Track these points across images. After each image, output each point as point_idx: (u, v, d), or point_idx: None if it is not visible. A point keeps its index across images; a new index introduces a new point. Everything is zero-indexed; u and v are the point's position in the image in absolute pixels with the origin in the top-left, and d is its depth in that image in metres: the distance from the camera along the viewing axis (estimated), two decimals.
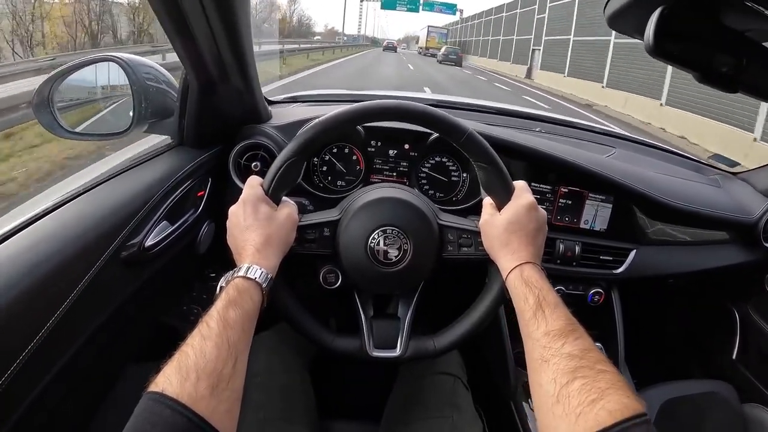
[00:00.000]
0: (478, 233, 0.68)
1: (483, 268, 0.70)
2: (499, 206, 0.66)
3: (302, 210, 0.74)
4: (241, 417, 0.78)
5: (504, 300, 0.65)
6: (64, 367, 0.57)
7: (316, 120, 0.68)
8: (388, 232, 0.68)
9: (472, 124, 0.93)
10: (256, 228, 0.61)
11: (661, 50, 0.70)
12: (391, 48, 47.07)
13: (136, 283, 0.70)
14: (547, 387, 0.46)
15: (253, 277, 0.56)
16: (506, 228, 0.63)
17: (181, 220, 0.79)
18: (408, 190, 0.76)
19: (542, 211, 0.66)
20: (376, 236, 0.68)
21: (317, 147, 0.69)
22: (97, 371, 0.69)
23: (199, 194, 0.85)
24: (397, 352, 0.70)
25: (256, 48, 0.84)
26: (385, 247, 0.68)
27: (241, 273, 0.56)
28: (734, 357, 1.15)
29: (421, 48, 47.62)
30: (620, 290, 1.01)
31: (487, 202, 0.68)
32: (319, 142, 0.68)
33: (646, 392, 1.02)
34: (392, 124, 0.84)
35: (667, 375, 1.09)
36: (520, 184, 0.67)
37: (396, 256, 0.68)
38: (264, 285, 0.56)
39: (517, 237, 0.62)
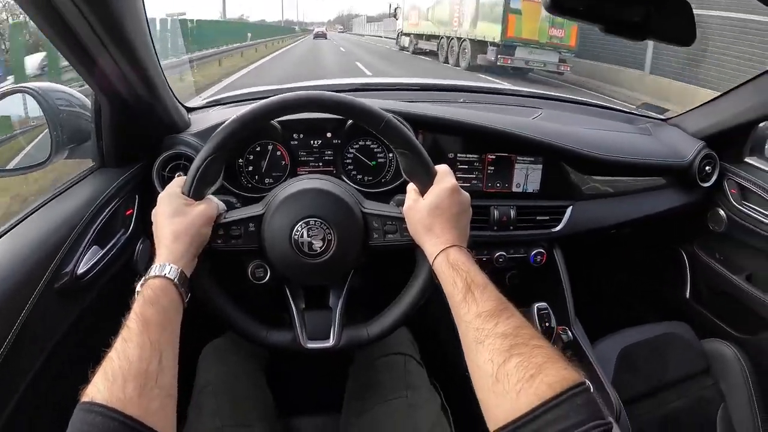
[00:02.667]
0: (402, 219, 0.65)
1: (413, 253, 0.67)
2: (422, 191, 0.63)
3: (231, 207, 0.71)
4: (198, 427, 0.72)
5: (433, 284, 0.62)
6: (13, 410, 0.54)
7: (231, 118, 0.65)
8: (311, 223, 0.65)
9: (392, 104, 0.89)
10: (167, 225, 0.59)
11: (559, 5, 0.68)
12: (321, 35, 35.74)
13: (74, 312, 0.67)
14: (485, 367, 0.45)
15: (164, 274, 0.54)
16: (429, 213, 0.60)
17: (112, 242, 0.75)
18: (330, 179, 0.73)
19: (465, 193, 0.63)
20: (299, 228, 0.65)
21: (235, 144, 0.67)
22: (49, 408, 0.65)
23: (128, 213, 0.81)
24: (331, 342, 0.69)
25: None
26: (309, 239, 0.65)
27: (153, 272, 0.55)
28: (687, 296, 1.15)
29: (413, 38, 14.80)
30: (563, 248, 0.97)
31: (411, 187, 0.65)
32: (236, 138, 0.65)
33: (602, 343, 0.98)
34: (309, 114, 0.83)
35: (623, 323, 1.05)
36: (442, 168, 0.64)
37: (320, 247, 0.65)
38: (175, 280, 0.55)
39: (441, 221, 0.60)
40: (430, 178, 0.63)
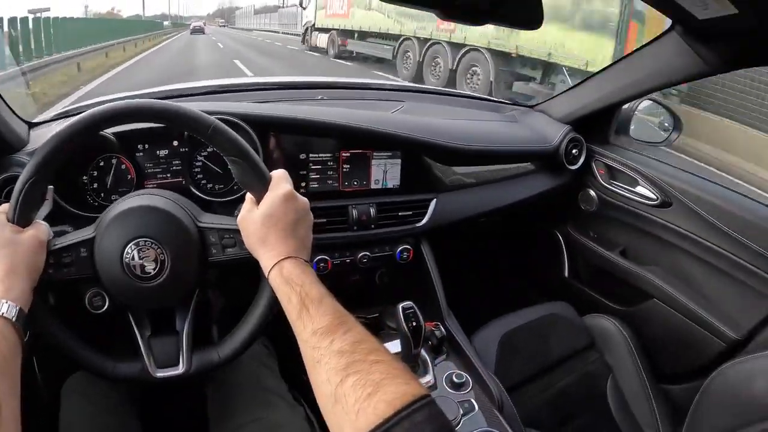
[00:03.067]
0: (239, 231, 0.61)
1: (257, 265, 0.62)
2: (258, 199, 0.59)
3: (61, 236, 0.66)
4: None
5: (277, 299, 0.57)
6: None
7: (51, 134, 0.59)
8: (141, 244, 0.61)
9: (241, 106, 0.83)
10: None
11: None
12: (198, 30, 32.30)
13: None
14: (324, 388, 0.43)
15: (2, 314, 0.49)
16: (263, 223, 0.56)
17: None
18: (161, 194, 0.68)
19: (302, 199, 0.59)
20: (129, 250, 0.60)
21: (59, 162, 0.62)
22: None
23: None
24: (181, 368, 0.65)
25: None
26: (141, 261, 0.60)
27: None
28: (566, 275, 1.18)
29: (337, 36, 10.55)
30: (431, 241, 0.96)
31: (248, 197, 0.61)
32: (59, 156, 0.59)
33: (482, 332, 0.98)
34: (146, 124, 0.78)
35: (506, 311, 1.05)
36: (277, 174, 0.60)
37: (154, 269, 0.61)
38: (13, 319, 0.50)
39: (275, 231, 0.56)
40: (264, 185, 0.59)
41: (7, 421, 0.43)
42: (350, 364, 0.43)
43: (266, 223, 0.57)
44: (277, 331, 0.82)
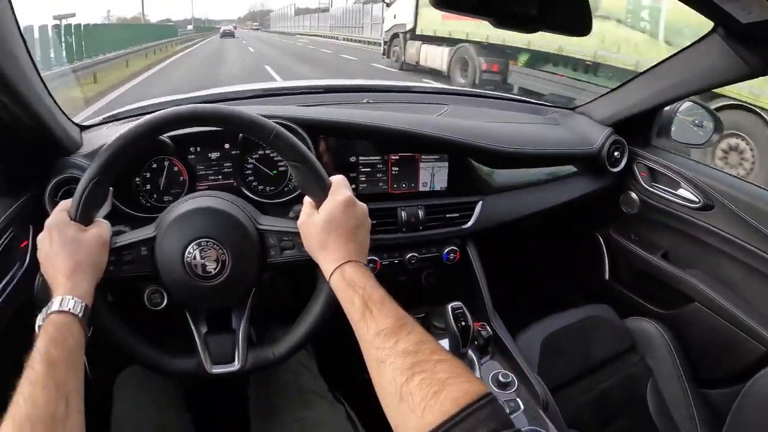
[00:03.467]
0: (298, 234, 0.62)
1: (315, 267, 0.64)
2: (317, 204, 0.60)
3: (119, 235, 0.66)
4: None
5: (334, 301, 0.59)
6: None
7: (115, 137, 0.61)
8: (203, 244, 0.62)
9: (290, 110, 0.85)
10: (64, 254, 0.55)
11: (446, 2, 0.67)
12: (228, 34, 33.67)
13: None
14: (389, 387, 0.44)
15: (68, 309, 0.52)
16: (323, 228, 0.58)
17: (8, 278, 0.70)
18: (223, 196, 0.70)
19: (361, 205, 0.60)
20: (191, 250, 0.62)
21: (121, 164, 0.64)
22: None
23: (22, 245, 0.75)
24: (236, 365, 0.66)
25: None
26: (202, 260, 0.62)
27: (55, 307, 0.52)
28: (607, 278, 1.17)
29: (468, 51, 5.96)
30: (477, 243, 0.97)
31: (307, 200, 0.63)
32: (122, 159, 0.62)
33: (525, 333, 0.98)
34: (203, 127, 0.81)
35: (547, 312, 1.05)
36: (336, 180, 0.62)
37: (215, 269, 0.63)
38: (80, 315, 0.52)
39: (335, 236, 0.57)
40: (324, 190, 0.61)
41: (73, 411, 0.45)
42: (415, 364, 0.44)
43: (327, 228, 0.58)
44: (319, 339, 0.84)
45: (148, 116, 0.62)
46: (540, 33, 0.63)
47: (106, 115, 1.02)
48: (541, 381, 0.90)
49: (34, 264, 0.76)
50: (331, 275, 0.57)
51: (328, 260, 0.57)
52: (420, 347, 0.46)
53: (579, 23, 0.66)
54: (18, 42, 0.64)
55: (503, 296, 0.98)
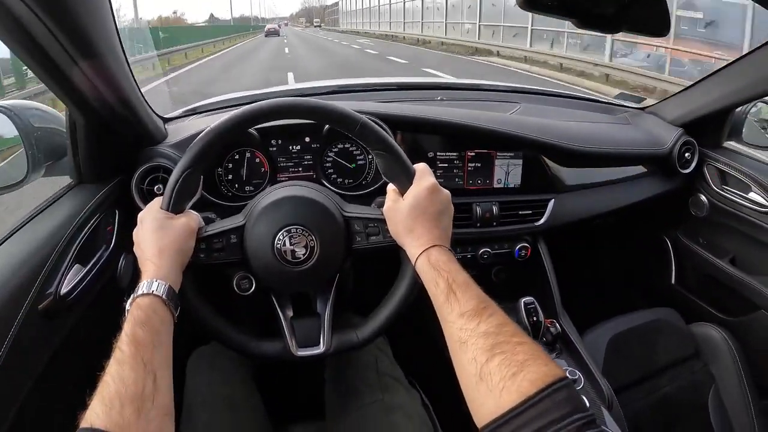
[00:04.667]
0: (384, 221, 0.64)
1: (398, 253, 0.66)
2: (402, 191, 0.62)
3: (209, 222, 0.69)
4: None
5: (420, 285, 0.60)
6: None
7: (206, 129, 0.64)
8: (292, 231, 0.65)
9: (368, 105, 0.87)
10: (150, 241, 0.58)
11: (533, 2, 0.68)
12: (273, 32, 32.94)
13: (61, 333, 0.65)
14: (469, 367, 0.45)
15: (152, 292, 0.53)
16: (409, 214, 0.59)
17: (95, 259, 0.73)
18: (309, 185, 0.72)
19: (445, 191, 0.61)
20: (281, 237, 0.64)
21: (212, 155, 0.66)
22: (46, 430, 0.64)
23: (108, 229, 0.79)
24: (322, 348, 0.68)
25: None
26: (292, 247, 0.64)
27: (141, 291, 0.54)
28: (673, 282, 1.15)
29: None
30: (547, 240, 0.97)
31: (391, 188, 0.64)
32: (213, 150, 0.64)
33: (591, 333, 0.97)
34: (286, 120, 0.83)
35: (611, 313, 1.04)
36: (420, 167, 0.63)
37: (304, 254, 0.65)
38: (164, 297, 0.54)
39: (421, 221, 0.59)
40: (409, 178, 0.62)
41: (161, 388, 0.47)
42: (496, 345, 0.45)
43: (412, 214, 0.60)
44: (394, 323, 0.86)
45: (240, 109, 0.64)
46: None
47: (186, 108, 1.06)
48: (606, 381, 0.89)
49: (118, 247, 0.80)
50: (417, 259, 0.58)
51: (414, 244, 0.59)
52: (501, 329, 0.46)
53: (659, 23, 0.65)
54: (116, 39, 0.67)
55: (571, 295, 0.97)
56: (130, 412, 0.42)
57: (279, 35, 32.42)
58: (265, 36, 32.28)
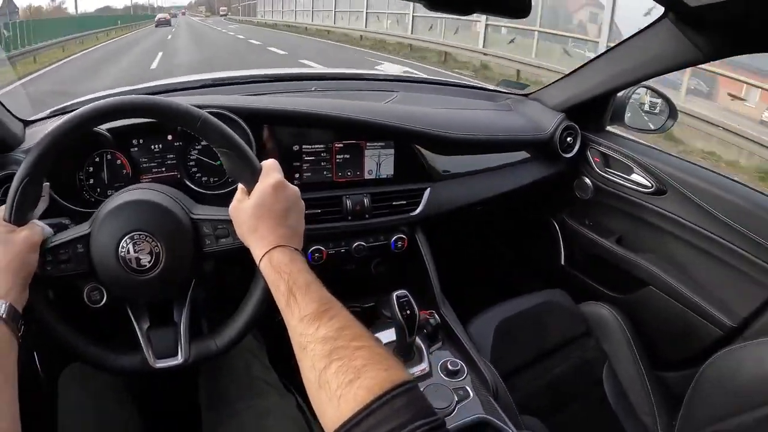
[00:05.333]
0: (231, 221, 0.62)
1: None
2: (249, 190, 0.59)
3: (63, 229, 0.66)
4: None
5: None
6: None
7: (45, 133, 0.59)
8: (135, 237, 0.61)
9: (234, 99, 0.83)
10: None
11: None
12: (164, 22, 30.70)
13: None
14: (309, 374, 0.44)
15: None
16: (253, 213, 0.57)
17: None
18: (154, 188, 0.68)
19: (292, 187, 0.59)
20: (124, 244, 0.61)
21: (52, 161, 0.61)
22: None
23: None
24: (180, 358, 0.66)
25: None
26: (136, 254, 0.61)
27: None
28: (563, 263, 1.18)
29: None
30: (426, 230, 0.96)
31: (240, 187, 0.61)
32: (51, 155, 0.59)
33: (478, 320, 0.98)
34: (139, 120, 0.79)
35: (502, 298, 1.05)
36: (267, 164, 0.60)
37: (149, 261, 0.62)
38: (4, 316, 0.51)
39: (265, 221, 0.56)
40: (254, 175, 0.60)
41: (4, 414, 0.44)
42: (334, 350, 0.43)
43: (256, 213, 0.57)
44: (266, 322, 0.84)
45: (77, 110, 0.60)
46: None
47: (54, 108, 0.99)
48: (492, 367, 0.89)
49: None
50: (260, 260, 0.56)
51: (258, 245, 0.57)
52: (341, 333, 0.45)
53: (519, 5, 0.64)
54: None
55: (456, 283, 0.97)
56: None
57: (170, 25, 30.49)
58: (156, 26, 30.36)
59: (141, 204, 0.64)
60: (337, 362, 0.42)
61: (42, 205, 0.65)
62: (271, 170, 0.60)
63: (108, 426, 0.74)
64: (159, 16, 36.20)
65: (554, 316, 1.07)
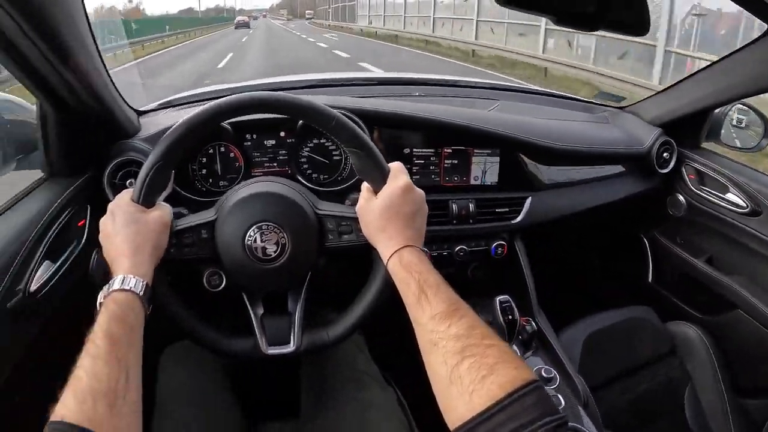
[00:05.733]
0: (357, 219, 0.64)
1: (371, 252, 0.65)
2: (376, 190, 0.61)
3: (179, 218, 0.68)
4: None
5: (390, 284, 0.60)
6: None
7: (178, 122, 0.63)
8: (263, 228, 0.64)
9: (345, 101, 0.86)
10: (125, 235, 0.57)
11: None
12: (242, 24, 32.66)
13: (31, 331, 0.64)
14: (440, 370, 0.45)
15: (129, 288, 0.53)
16: (382, 213, 0.59)
17: (65, 255, 0.72)
18: (282, 181, 0.71)
19: (419, 191, 0.61)
20: (252, 233, 0.64)
21: (183, 149, 0.66)
22: (12, 429, 0.63)
23: (80, 224, 0.78)
24: (292, 347, 0.68)
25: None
26: (263, 244, 0.64)
27: (117, 285, 0.53)
28: (650, 280, 1.16)
29: None
30: (524, 238, 0.97)
31: (365, 186, 0.64)
32: (185, 143, 0.63)
33: (567, 331, 0.98)
34: (261, 114, 0.82)
35: (589, 311, 1.05)
36: (395, 166, 0.63)
37: (275, 252, 0.64)
38: (141, 293, 0.53)
39: (394, 221, 0.58)
40: (383, 176, 0.62)
41: (132, 385, 0.47)
42: (466, 348, 0.45)
43: (385, 213, 0.59)
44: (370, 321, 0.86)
45: (212, 103, 0.63)
46: None
47: (162, 101, 1.05)
48: (582, 379, 0.89)
49: (91, 242, 0.79)
50: (388, 259, 0.57)
51: (386, 245, 0.58)
52: (471, 332, 0.46)
53: (638, 23, 0.65)
54: (87, 32, 0.66)
55: (548, 293, 0.98)
56: (102, 408, 0.42)
57: (249, 27, 31.97)
58: (235, 28, 31.92)
59: (270, 196, 0.67)
60: (470, 359, 0.43)
61: (166, 191, 0.69)
62: (399, 172, 0.62)
63: (205, 407, 0.77)
64: (238, 18, 38.60)
65: (641, 334, 1.06)
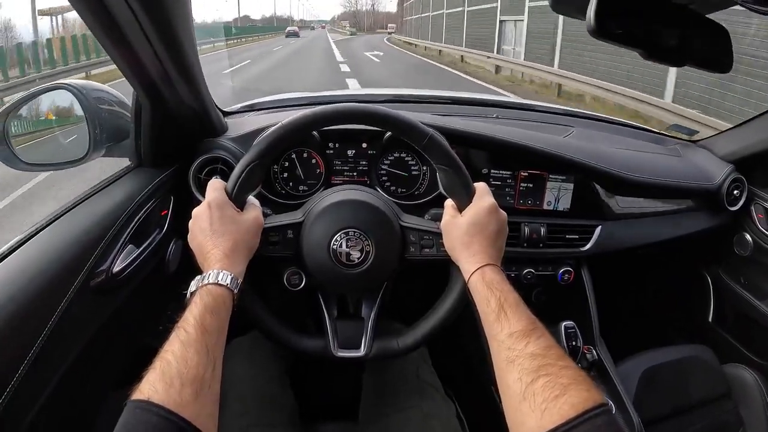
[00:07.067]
0: (439, 234, 0.65)
1: (447, 267, 0.67)
2: (460, 208, 0.63)
3: (265, 217, 0.72)
4: (224, 424, 0.73)
5: (466, 300, 0.62)
6: (45, 403, 0.54)
7: (277, 125, 0.65)
8: (350, 234, 0.66)
9: (427, 117, 0.88)
10: (224, 233, 0.59)
11: (603, 31, 0.68)
12: (293, 34, 36.33)
13: (108, 309, 0.67)
14: (514, 386, 0.46)
15: (225, 284, 0.54)
16: (467, 230, 0.61)
17: (147, 242, 0.75)
18: (370, 191, 0.73)
19: (503, 213, 0.63)
20: (338, 238, 0.65)
21: (278, 151, 0.68)
22: (80, 402, 0.66)
23: (162, 213, 0.81)
24: (362, 352, 0.69)
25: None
26: (348, 249, 0.65)
27: (212, 279, 0.54)
28: (710, 320, 1.13)
29: None
30: (590, 266, 0.96)
31: (449, 203, 0.66)
32: (280, 146, 0.65)
33: (625, 363, 0.96)
34: (350, 125, 0.84)
35: (646, 344, 1.03)
36: (480, 186, 0.64)
37: (358, 258, 0.66)
38: (235, 291, 0.55)
39: (478, 239, 0.60)
40: (469, 195, 0.63)
41: (217, 376, 0.48)
42: (542, 367, 0.46)
43: (471, 231, 0.61)
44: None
45: (315, 108, 0.65)
46: None
47: (245, 104, 1.08)
48: (636, 412, 0.88)
49: (170, 232, 0.82)
50: (471, 275, 0.59)
51: (470, 261, 0.60)
52: (548, 351, 0.48)
53: (721, 59, 0.65)
54: (193, 32, 0.69)
55: (608, 323, 0.97)
56: (188, 393, 0.43)
57: (298, 36, 35.71)
58: (285, 36, 35.81)
59: (359, 204, 0.69)
60: (545, 378, 0.44)
61: (256, 191, 0.70)
62: (485, 193, 0.64)
63: (266, 401, 0.79)
64: (289, 28, 42.35)
65: (697, 373, 1.04)
